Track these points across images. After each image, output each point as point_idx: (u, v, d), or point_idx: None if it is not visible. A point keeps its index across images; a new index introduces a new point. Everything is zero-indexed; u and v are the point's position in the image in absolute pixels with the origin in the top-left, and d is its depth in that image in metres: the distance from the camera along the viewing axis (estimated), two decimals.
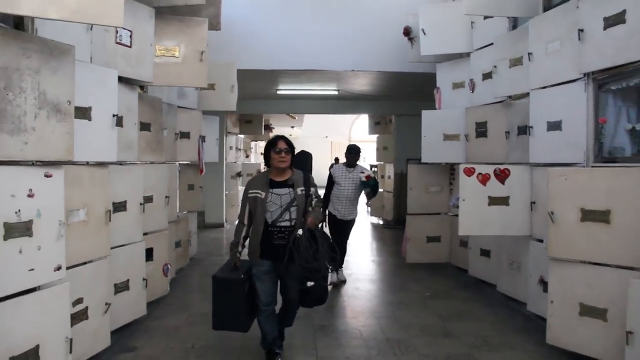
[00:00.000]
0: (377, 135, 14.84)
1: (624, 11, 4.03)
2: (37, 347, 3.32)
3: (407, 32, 7.98)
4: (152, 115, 5.66)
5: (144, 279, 5.21)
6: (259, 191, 4.23)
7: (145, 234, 5.37)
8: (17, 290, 3.14)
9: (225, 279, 4.21)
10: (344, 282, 7.13)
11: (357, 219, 7.29)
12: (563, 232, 4.35)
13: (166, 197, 6.03)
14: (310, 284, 4.33)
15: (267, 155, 4.33)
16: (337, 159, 21.84)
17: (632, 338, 3.68)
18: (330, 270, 5.54)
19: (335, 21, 8.54)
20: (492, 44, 6.41)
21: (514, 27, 6.19)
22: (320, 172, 10.86)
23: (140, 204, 5.18)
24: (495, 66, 6.26)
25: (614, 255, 4.03)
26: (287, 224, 4.21)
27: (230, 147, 13.46)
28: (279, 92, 11.85)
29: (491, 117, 6.58)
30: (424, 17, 7.43)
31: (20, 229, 3.08)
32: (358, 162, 7.16)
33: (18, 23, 3.36)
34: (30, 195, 3.18)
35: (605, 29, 4.24)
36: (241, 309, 4.20)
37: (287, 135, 4.36)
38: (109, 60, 4.44)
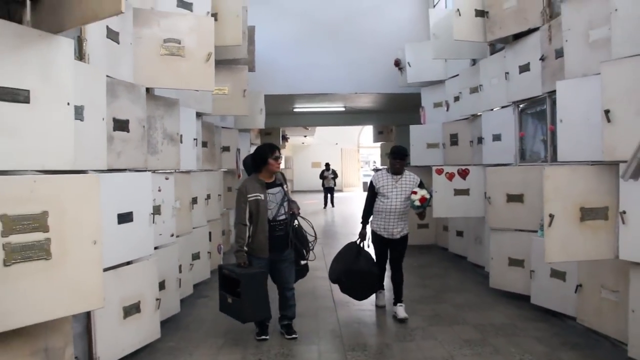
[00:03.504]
0: (380, 143, 16.97)
1: (529, 63, 6.10)
2: (139, 302, 4.61)
3: (397, 63, 10.19)
4: (209, 135, 7.81)
5: (208, 252, 7.35)
6: (258, 194, 4.79)
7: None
8: (150, 251, 5.14)
9: (254, 274, 4.71)
10: (405, 320, 5.58)
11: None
12: (496, 209, 6.43)
13: (218, 195, 8.17)
14: (303, 262, 5.16)
15: (263, 161, 4.88)
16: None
17: (534, 275, 5.75)
18: (378, 293, 6.06)
19: (341, 55, 10.77)
20: (458, 75, 8.55)
21: (474, 62, 8.29)
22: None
23: (205, 199, 7.34)
24: (460, 92, 8.38)
25: (526, 223, 6.06)
26: (284, 217, 4.92)
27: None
28: (295, 110, 14.02)
29: (460, 130, 8.66)
30: (409, 52, 9.62)
31: (156, 209, 5.21)
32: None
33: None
34: (160, 190, 5.30)
35: (520, 73, 6.32)
36: (267, 297, 4.80)
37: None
38: (188, 102, 6.57)
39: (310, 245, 5.14)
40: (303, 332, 5.22)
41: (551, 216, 4.13)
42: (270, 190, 4.88)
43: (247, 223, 4.79)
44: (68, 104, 3.07)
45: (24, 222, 2.62)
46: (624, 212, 4.04)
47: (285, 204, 4.95)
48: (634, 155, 2.08)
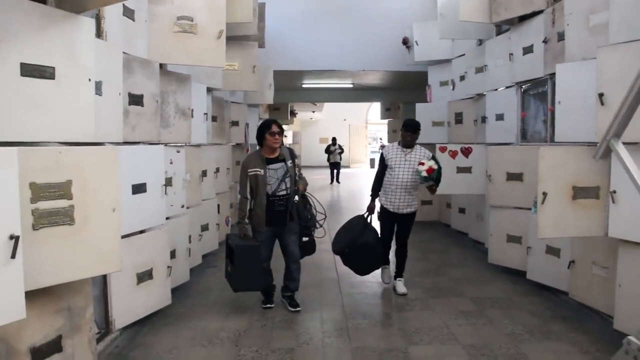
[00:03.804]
0: (388, 120, 17.10)
1: (532, 45, 6.23)
2: (151, 269, 4.84)
3: (405, 41, 10.30)
4: (219, 110, 7.98)
5: (216, 224, 7.59)
6: (258, 169, 4.90)
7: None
8: (162, 221, 5.39)
9: (248, 246, 4.91)
10: (404, 294, 5.73)
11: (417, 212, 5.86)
12: (496, 187, 6.61)
13: (227, 168, 8.39)
14: (305, 239, 5.22)
15: (261, 136, 5.00)
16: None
17: (530, 251, 5.96)
18: (382, 269, 6.03)
19: (349, 32, 10.84)
20: (465, 54, 8.66)
21: (481, 42, 8.38)
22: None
23: (214, 172, 7.56)
24: (466, 72, 8.51)
25: (525, 201, 6.24)
26: (284, 192, 4.98)
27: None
28: (303, 86, 14.16)
29: (465, 109, 8.79)
30: (417, 31, 9.72)
31: (168, 181, 5.42)
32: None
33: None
34: (171, 163, 5.51)
35: (524, 54, 6.45)
36: (261, 270, 4.96)
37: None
38: (199, 77, 6.74)
39: (316, 222, 5.22)
40: (307, 301, 5.48)
41: (544, 194, 4.31)
42: (271, 166, 4.95)
43: (248, 196, 4.99)
44: (89, 80, 3.27)
45: (50, 190, 2.84)
46: (614, 192, 4.23)
47: (288, 179, 4.98)
48: (604, 137, 2.26)
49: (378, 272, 6.09)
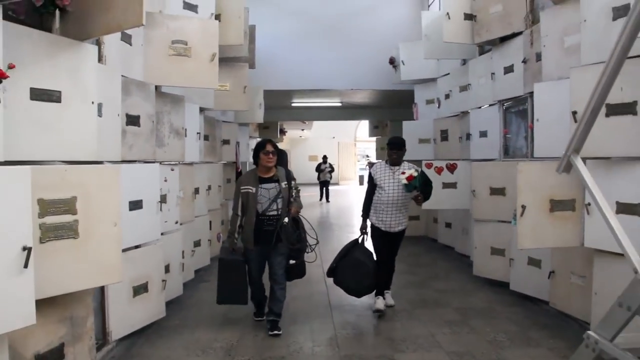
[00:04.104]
0: (376, 137, 17.39)
1: (513, 65, 6.51)
2: (147, 283, 5.03)
3: (392, 61, 10.61)
4: (210, 129, 8.20)
5: (208, 240, 7.77)
6: (250, 187, 4.95)
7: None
8: (157, 236, 5.57)
9: (230, 260, 5.09)
10: (392, 306, 5.83)
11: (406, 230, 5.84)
12: (480, 202, 6.85)
13: (218, 186, 8.58)
14: (292, 262, 5.18)
15: (256, 155, 5.05)
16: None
17: (513, 263, 6.19)
18: (375, 295, 5.76)
19: (337, 52, 11.18)
20: (449, 73, 8.96)
21: (465, 62, 8.68)
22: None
23: (206, 190, 7.75)
24: (451, 90, 8.80)
25: (507, 215, 6.44)
26: (275, 213, 4.96)
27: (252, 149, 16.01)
28: (293, 105, 14.43)
29: (451, 126, 9.06)
30: (403, 51, 10.02)
31: (163, 198, 5.61)
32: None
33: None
34: (165, 180, 5.71)
35: (505, 74, 6.73)
36: (242, 285, 5.09)
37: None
38: (192, 98, 6.96)
39: (307, 246, 5.19)
40: (297, 312, 5.69)
41: (523, 207, 4.55)
42: (264, 185, 4.98)
43: (239, 213, 5.06)
44: (92, 102, 3.50)
45: (56, 205, 3.03)
46: (589, 204, 4.47)
47: (280, 200, 4.98)
48: (565, 153, 2.49)
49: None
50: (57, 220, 3.04)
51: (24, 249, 2.53)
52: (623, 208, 4.17)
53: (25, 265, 2.53)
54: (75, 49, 3.34)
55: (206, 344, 4.83)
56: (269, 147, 4.98)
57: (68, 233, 3.10)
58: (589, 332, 2.29)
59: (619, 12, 4.11)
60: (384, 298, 5.78)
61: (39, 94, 3.10)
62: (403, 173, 5.40)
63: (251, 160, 7.33)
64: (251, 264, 5.07)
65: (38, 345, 3.16)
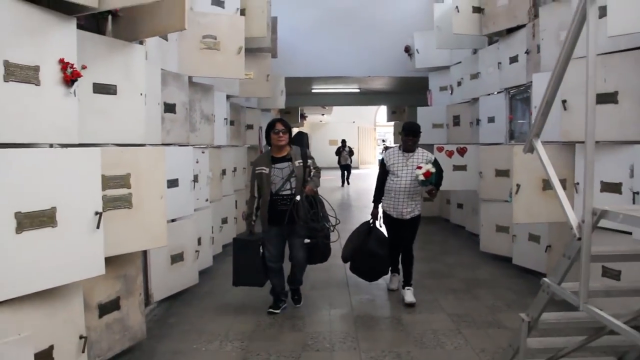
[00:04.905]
0: (394, 122, 17.87)
1: (517, 55, 6.97)
2: (182, 252, 5.71)
3: (407, 49, 11.08)
4: (236, 115, 8.80)
5: (234, 218, 8.40)
6: (264, 168, 4.94)
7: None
8: (191, 211, 6.16)
9: (245, 240, 5.15)
10: (412, 305, 5.40)
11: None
12: (487, 183, 7.37)
13: (243, 168, 9.20)
14: (307, 241, 5.02)
15: (268, 136, 5.06)
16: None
17: (515, 239, 6.71)
18: (391, 274, 5.94)
19: (355, 41, 11.66)
20: (461, 62, 9.43)
21: (475, 51, 9.11)
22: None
23: (232, 171, 8.37)
24: (462, 78, 9.28)
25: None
26: (288, 192, 4.92)
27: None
28: (313, 91, 14.98)
29: (462, 112, 9.55)
30: (417, 40, 10.51)
31: (195, 178, 6.21)
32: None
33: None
34: (197, 162, 6.31)
35: (510, 63, 7.20)
36: (258, 266, 5.05)
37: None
38: (220, 87, 7.55)
39: (325, 225, 5.07)
40: (316, 281, 6.30)
41: (518, 186, 5.08)
42: (277, 165, 4.95)
43: (255, 195, 5.11)
44: (141, 94, 4.09)
45: (114, 181, 3.64)
46: (577, 184, 4.98)
47: (293, 179, 4.93)
48: (529, 136, 2.99)
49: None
50: (115, 193, 3.65)
51: (96, 213, 3.15)
52: (606, 187, 4.67)
53: (97, 227, 3.15)
54: (127, 49, 3.94)
55: (238, 305, 5.48)
56: (279, 126, 4.94)
57: (124, 204, 3.72)
58: (544, 279, 2.83)
59: (604, 10, 4.58)
60: (398, 274, 5.88)
61: (99, 88, 3.71)
62: (419, 167, 5.22)
63: None
64: (269, 246, 5.03)
65: (100, 297, 3.81)
